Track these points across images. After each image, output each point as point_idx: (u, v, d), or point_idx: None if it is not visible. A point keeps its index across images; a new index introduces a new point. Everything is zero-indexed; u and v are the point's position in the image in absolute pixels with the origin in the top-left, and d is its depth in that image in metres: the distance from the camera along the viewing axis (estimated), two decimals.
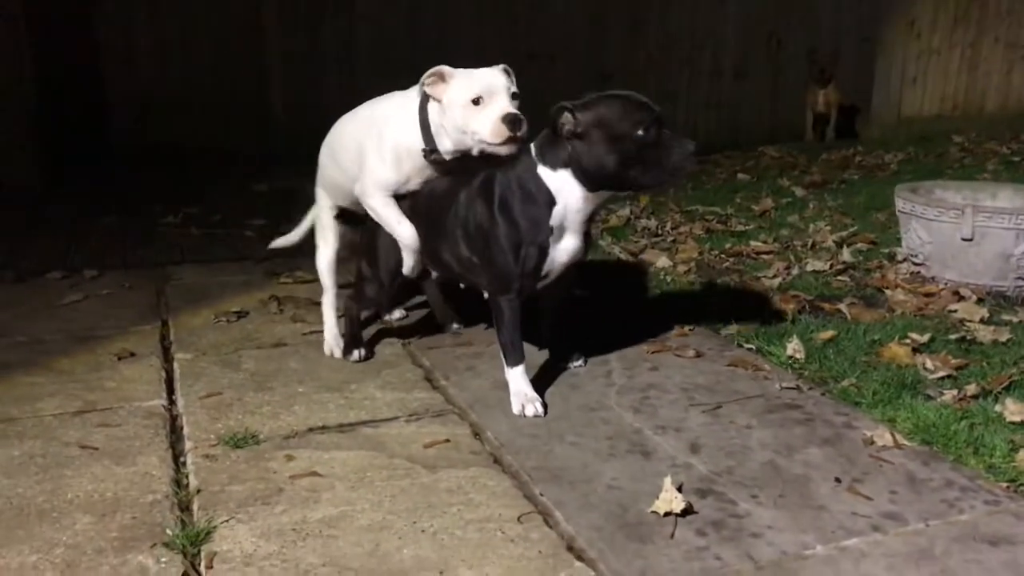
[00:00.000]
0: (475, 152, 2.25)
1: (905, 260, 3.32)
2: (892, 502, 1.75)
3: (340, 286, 2.71)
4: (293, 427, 2.12)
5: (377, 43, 6.04)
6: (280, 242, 3.00)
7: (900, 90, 7.63)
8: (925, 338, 2.57)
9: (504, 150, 2.19)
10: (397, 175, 2.38)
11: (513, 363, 2.23)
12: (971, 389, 2.21)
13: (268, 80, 5.98)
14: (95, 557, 1.58)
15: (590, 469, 1.89)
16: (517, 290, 2.20)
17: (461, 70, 2.25)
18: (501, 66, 2.26)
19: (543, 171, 2.14)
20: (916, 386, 2.27)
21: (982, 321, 2.72)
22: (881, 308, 2.91)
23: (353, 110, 2.55)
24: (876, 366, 2.41)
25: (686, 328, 2.77)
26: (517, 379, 2.22)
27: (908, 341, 2.55)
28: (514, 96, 2.21)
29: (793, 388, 2.31)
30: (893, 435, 1.99)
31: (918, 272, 3.21)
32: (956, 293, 2.98)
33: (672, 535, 1.63)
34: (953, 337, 2.60)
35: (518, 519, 1.69)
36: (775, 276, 3.29)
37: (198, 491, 1.81)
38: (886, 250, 3.57)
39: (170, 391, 2.35)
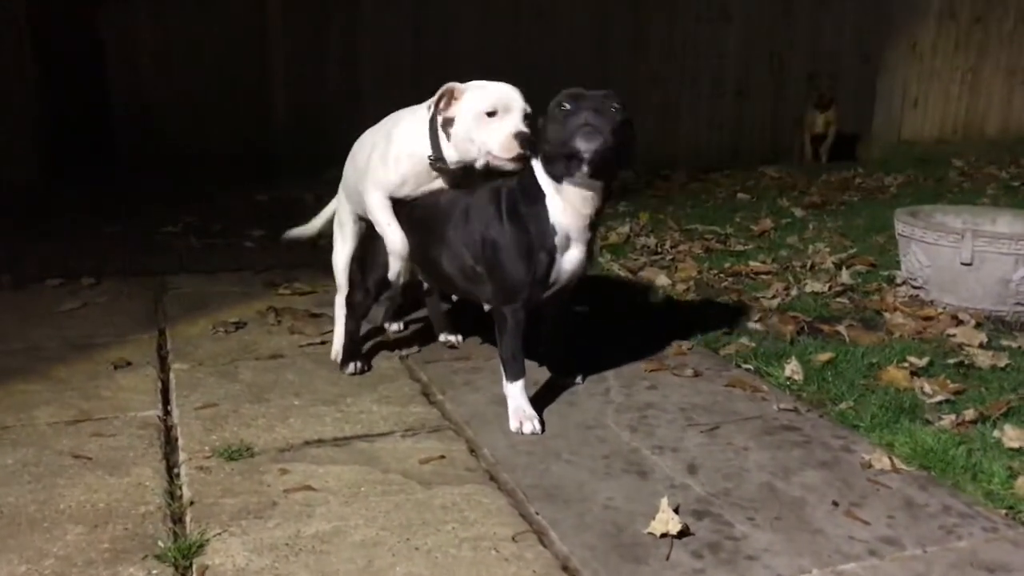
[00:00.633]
0: (479, 164, 2.26)
1: (904, 283, 3.32)
2: (889, 527, 1.74)
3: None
4: (288, 440, 2.11)
5: (381, 48, 6.07)
6: (296, 232, 2.99)
7: (901, 112, 7.65)
8: (924, 362, 2.56)
9: (510, 166, 2.21)
10: (395, 175, 2.38)
11: (513, 377, 2.22)
12: (969, 414, 2.20)
13: (271, 82, 5.98)
14: (85, 569, 1.57)
15: (586, 488, 1.88)
16: (524, 299, 2.20)
17: (475, 82, 2.26)
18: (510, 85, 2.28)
19: (542, 177, 2.16)
20: (914, 410, 2.26)
21: (981, 346, 2.72)
22: (880, 331, 2.90)
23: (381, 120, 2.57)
24: (874, 389, 2.40)
25: (684, 347, 2.76)
26: (516, 395, 2.22)
27: (907, 364, 2.54)
28: (527, 116, 2.22)
29: (791, 410, 2.30)
30: (891, 459, 1.99)
31: (917, 295, 3.22)
32: (955, 317, 2.98)
33: (668, 557, 1.62)
34: (952, 361, 2.59)
35: (513, 538, 1.68)
36: (774, 296, 3.29)
37: (191, 503, 1.80)
38: (885, 273, 3.57)
39: (165, 401, 2.35)
